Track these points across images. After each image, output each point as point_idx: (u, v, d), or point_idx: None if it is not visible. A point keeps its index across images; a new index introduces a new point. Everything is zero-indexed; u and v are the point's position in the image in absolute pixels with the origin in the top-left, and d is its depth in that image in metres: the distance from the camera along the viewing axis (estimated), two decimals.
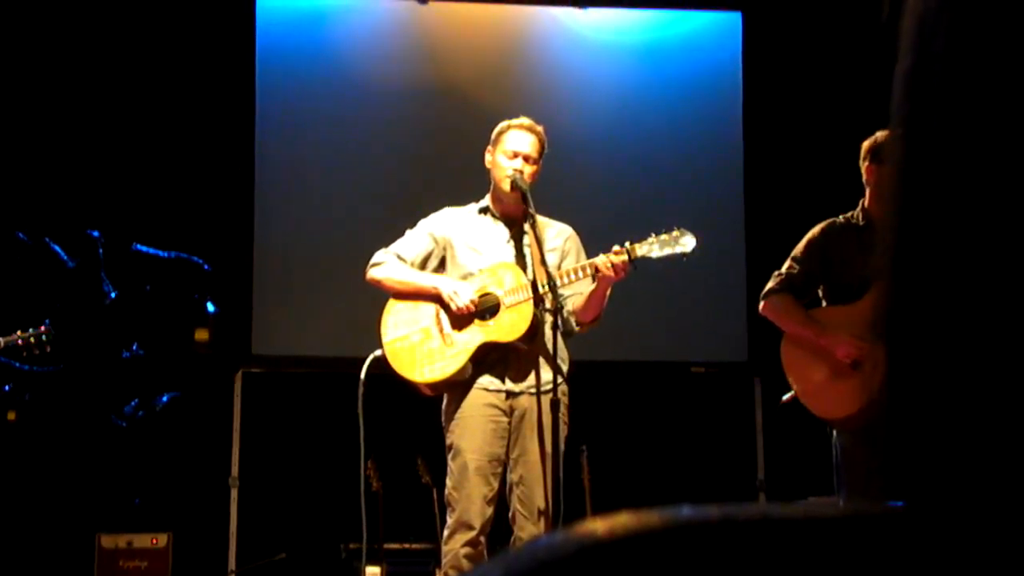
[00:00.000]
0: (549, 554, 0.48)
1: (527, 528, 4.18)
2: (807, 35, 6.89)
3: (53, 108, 6.51)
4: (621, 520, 0.48)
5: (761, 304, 4.29)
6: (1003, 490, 0.48)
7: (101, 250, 6.54)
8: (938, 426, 0.50)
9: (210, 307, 6.69)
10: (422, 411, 4.76)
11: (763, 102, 6.93)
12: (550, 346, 4.18)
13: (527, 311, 4.20)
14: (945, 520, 0.49)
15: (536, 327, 4.22)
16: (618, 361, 6.56)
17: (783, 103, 6.91)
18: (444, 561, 4.19)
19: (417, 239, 4.40)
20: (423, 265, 4.38)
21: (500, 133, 4.34)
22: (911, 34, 0.53)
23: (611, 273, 4.11)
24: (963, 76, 0.50)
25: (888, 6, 0.55)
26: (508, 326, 4.21)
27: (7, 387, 6.22)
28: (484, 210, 4.41)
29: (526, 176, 4.25)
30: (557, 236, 4.40)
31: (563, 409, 4.17)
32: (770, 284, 4.27)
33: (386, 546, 5.74)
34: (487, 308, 4.23)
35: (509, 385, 4.23)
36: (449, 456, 4.25)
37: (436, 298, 4.26)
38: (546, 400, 4.19)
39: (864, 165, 4.16)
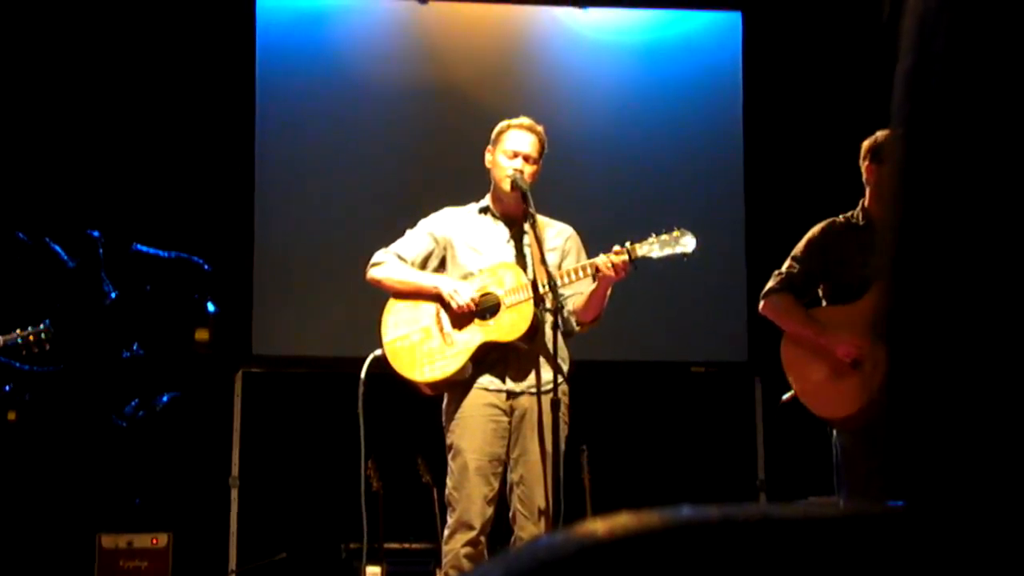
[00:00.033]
0: (549, 554, 0.48)
1: (527, 528, 4.18)
2: (807, 35, 6.89)
3: (53, 108, 6.51)
4: (621, 520, 0.48)
5: (761, 304, 4.29)
6: (1003, 490, 0.48)
7: (101, 250, 6.54)
8: (938, 426, 0.50)
9: (210, 307, 6.69)
10: (422, 411, 4.76)
11: (763, 102, 6.93)
12: (550, 346, 4.18)
13: (527, 311, 4.20)
14: (945, 520, 0.49)
15: (536, 327, 4.22)
16: (618, 361, 6.57)
17: (783, 103, 6.91)
18: (444, 561, 4.19)
19: (417, 239, 4.41)
20: (423, 265, 4.38)
21: (500, 133, 4.34)
22: (911, 34, 0.53)
23: (611, 273, 4.11)
24: (963, 76, 0.50)
25: (888, 6, 0.56)
26: (508, 326, 4.21)
27: (7, 387, 6.23)
28: (484, 210, 4.41)
29: (526, 176, 4.26)
30: (557, 236, 4.40)
31: (563, 409, 4.17)
32: (770, 284, 4.27)
33: (386, 546, 5.74)
34: (487, 308, 4.23)
35: (509, 385, 4.23)
36: (449, 456, 4.25)
37: (436, 297, 4.27)
38: (546, 400, 4.19)
39: (864, 165, 4.16)
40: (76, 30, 6.54)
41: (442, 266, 4.40)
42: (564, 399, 4.20)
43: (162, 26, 6.59)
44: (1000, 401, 0.48)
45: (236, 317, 6.55)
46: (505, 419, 4.22)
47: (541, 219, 4.30)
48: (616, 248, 4.16)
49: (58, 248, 6.49)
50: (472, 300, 4.20)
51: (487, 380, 4.23)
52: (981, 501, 0.48)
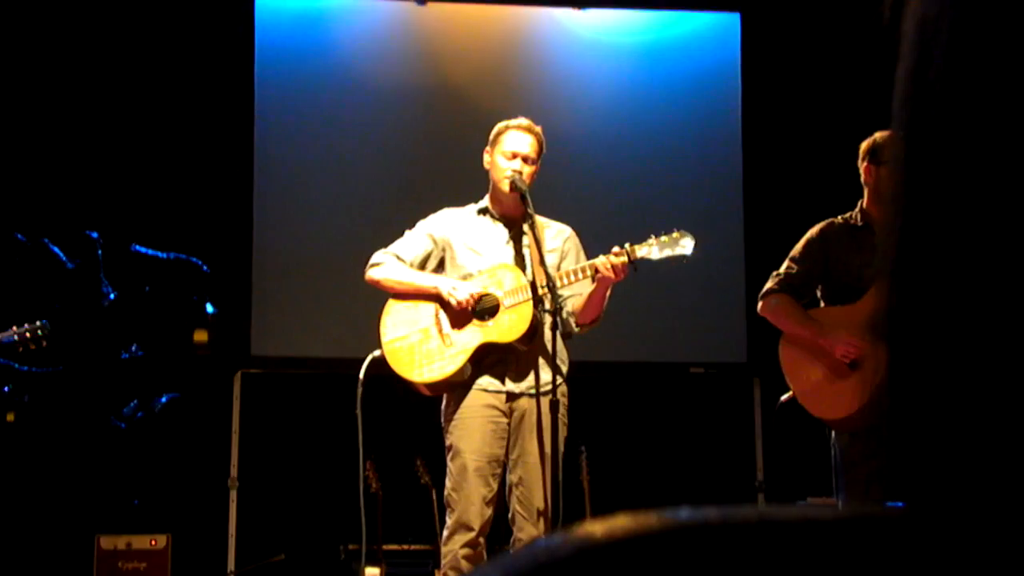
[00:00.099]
0: (547, 556, 0.48)
1: (526, 529, 4.18)
2: (806, 36, 6.89)
3: (52, 109, 6.51)
4: (620, 522, 0.48)
5: (760, 304, 4.30)
6: (1003, 491, 0.48)
7: (100, 251, 6.54)
8: (939, 427, 0.50)
9: (209, 308, 6.69)
10: (421, 412, 4.76)
11: (762, 103, 6.93)
12: (549, 347, 4.18)
13: (526, 312, 4.20)
14: (946, 521, 0.49)
15: (535, 328, 4.22)
16: (617, 362, 6.57)
17: (782, 104, 6.91)
18: (443, 562, 4.19)
19: (416, 240, 4.41)
20: (422, 266, 4.38)
21: (498, 134, 4.34)
22: (912, 36, 0.53)
23: (611, 274, 4.11)
24: (964, 77, 0.50)
25: (889, 8, 0.55)
26: (507, 327, 4.21)
27: (6, 388, 6.22)
28: (483, 211, 4.41)
29: (525, 177, 4.26)
30: (556, 236, 4.40)
31: (562, 410, 4.17)
32: (768, 284, 4.27)
33: (385, 547, 5.74)
34: (486, 309, 4.23)
35: (509, 386, 4.23)
36: (448, 457, 4.25)
37: (435, 297, 4.27)
38: (545, 401, 4.19)
39: (862, 166, 4.16)
40: (75, 30, 6.54)
41: (441, 267, 4.40)
42: (563, 400, 4.20)
43: (161, 27, 6.59)
44: (1001, 402, 0.48)
45: (235, 318, 6.55)
46: (504, 420, 4.22)
47: (540, 220, 4.30)
48: (615, 249, 4.16)
49: (57, 249, 6.49)
50: (472, 296, 4.20)
51: (486, 381, 4.23)
52: (982, 502, 0.48)
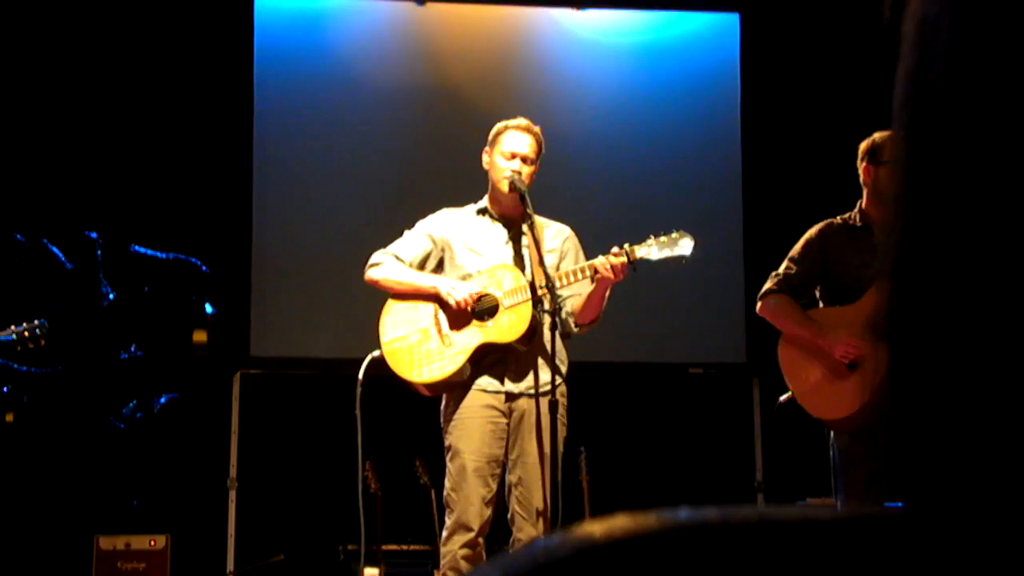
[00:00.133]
0: (546, 556, 0.48)
1: (526, 529, 4.18)
2: (805, 36, 6.89)
3: (51, 109, 6.50)
4: (619, 522, 0.48)
5: (759, 305, 4.30)
6: (1004, 491, 0.48)
7: (99, 251, 6.54)
8: (941, 427, 0.50)
9: (208, 308, 6.69)
10: (420, 412, 4.76)
11: (761, 103, 6.93)
12: (549, 347, 4.18)
13: (526, 312, 4.20)
14: (946, 521, 0.49)
15: (535, 328, 4.22)
16: (616, 362, 6.56)
17: (781, 104, 6.91)
18: (442, 562, 4.19)
19: (415, 240, 4.41)
20: (421, 266, 4.38)
21: (497, 134, 4.34)
22: (913, 36, 0.53)
23: (610, 275, 4.11)
24: (965, 77, 0.50)
25: (889, 8, 0.55)
26: (507, 327, 4.21)
27: (5, 389, 6.22)
28: (482, 211, 4.41)
29: (524, 177, 4.26)
30: (555, 237, 4.41)
31: (561, 410, 4.17)
32: (767, 285, 4.27)
33: (384, 547, 5.73)
34: (486, 309, 4.23)
35: (508, 386, 4.23)
36: (447, 457, 4.25)
37: (435, 298, 4.26)
38: (545, 401, 4.19)
39: (861, 166, 4.16)
40: (75, 31, 6.53)
41: (440, 267, 4.40)
42: (562, 400, 4.20)
43: (160, 27, 6.58)
44: (1001, 402, 0.48)
45: (234, 319, 6.54)
46: (503, 420, 4.22)
47: (539, 220, 4.30)
48: (615, 250, 4.16)
49: (56, 249, 6.49)
50: (471, 296, 4.19)
51: (485, 381, 4.23)
52: (982, 502, 0.48)
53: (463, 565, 4.09)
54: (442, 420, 4.29)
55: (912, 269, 0.51)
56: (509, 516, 4.25)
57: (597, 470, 5.87)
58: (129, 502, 6.36)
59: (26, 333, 5.05)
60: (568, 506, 4.18)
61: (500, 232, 4.37)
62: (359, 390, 4.22)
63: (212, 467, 6.42)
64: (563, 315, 4.14)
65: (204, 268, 6.65)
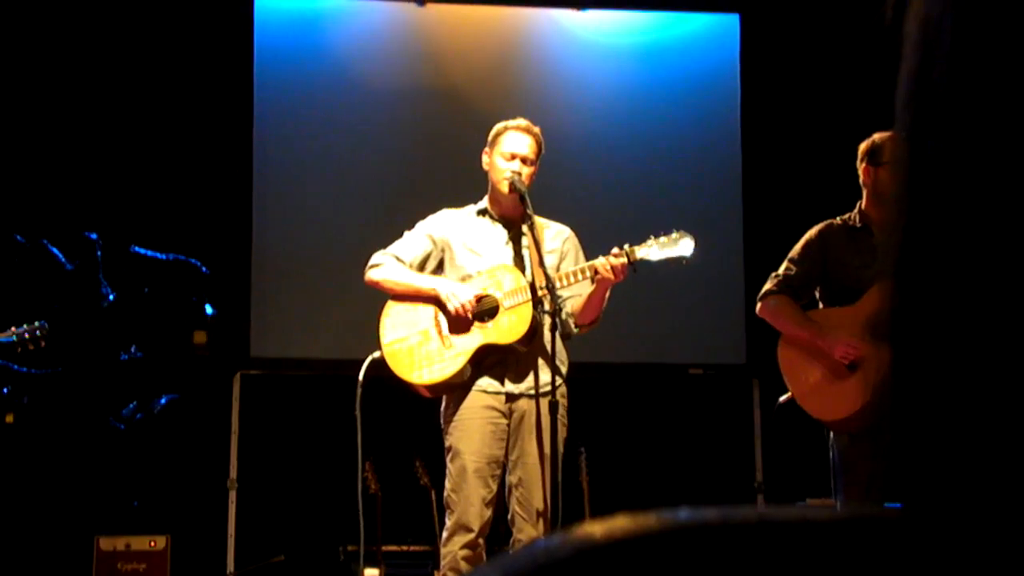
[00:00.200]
0: (547, 556, 0.48)
1: (526, 530, 4.18)
2: (805, 37, 6.89)
3: (51, 109, 6.50)
4: (619, 522, 0.48)
5: (758, 306, 4.30)
6: (1004, 492, 0.48)
7: (99, 252, 6.54)
8: (943, 428, 0.50)
9: (208, 309, 6.69)
10: (420, 413, 4.76)
11: (761, 104, 6.93)
12: (549, 348, 4.18)
13: (526, 313, 4.19)
14: (946, 522, 0.49)
15: (535, 329, 4.22)
16: (617, 363, 6.56)
17: (781, 105, 6.91)
18: (443, 563, 4.19)
19: (415, 241, 4.40)
20: (422, 267, 4.38)
21: (497, 135, 4.34)
22: (915, 36, 0.53)
23: (610, 275, 4.11)
24: (968, 78, 0.50)
25: (892, 9, 0.55)
26: (507, 328, 4.21)
27: (5, 389, 6.22)
28: (482, 212, 4.41)
29: (524, 178, 4.25)
30: (555, 237, 4.40)
31: (562, 411, 4.17)
32: (767, 286, 4.27)
33: (384, 548, 5.73)
34: (486, 310, 4.23)
35: (508, 387, 4.23)
36: (448, 458, 4.25)
37: (434, 300, 4.26)
38: (545, 402, 4.19)
39: (861, 167, 4.16)
40: (75, 31, 6.53)
41: (440, 268, 4.39)
42: (563, 401, 4.20)
43: (160, 28, 6.59)
44: (1003, 402, 0.48)
45: (234, 319, 6.54)
46: (504, 421, 4.22)
47: (539, 220, 4.30)
48: (615, 250, 4.16)
49: (56, 250, 6.49)
50: (469, 303, 4.19)
51: (486, 382, 4.23)
52: (982, 503, 0.48)
53: (463, 566, 4.08)
54: (442, 421, 4.29)
55: (913, 270, 0.51)
56: (509, 517, 4.25)
57: (597, 471, 5.87)
58: (129, 503, 6.36)
59: (26, 335, 5.06)
60: (568, 507, 4.18)
61: (500, 233, 4.37)
62: (359, 391, 4.21)
63: (212, 468, 6.42)
64: (563, 316, 4.14)
65: (204, 269, 6.65)
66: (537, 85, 6.79)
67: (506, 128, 4.33)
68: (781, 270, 4.26)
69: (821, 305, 4.25)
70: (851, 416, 3.92)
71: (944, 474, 0.50)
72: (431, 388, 4.27)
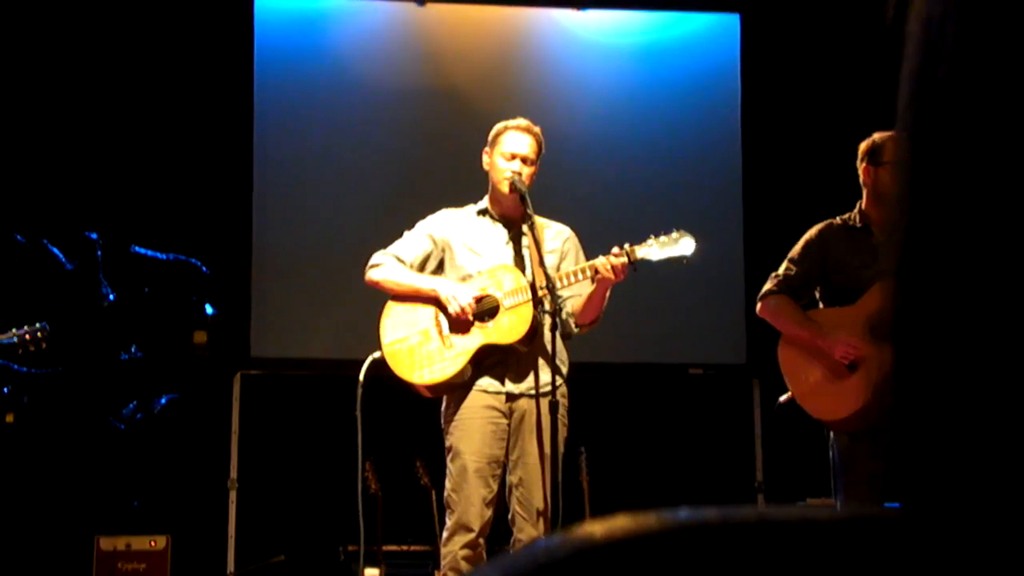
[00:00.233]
0: (547, 556, 0.48)
1: (526, 530, 4.18)
2: (806, 37, 6.89)
3: (51, 109, 6.50)
4: (619, 522, 0.48)
5: (758, 306, 4.30)
6: (1004, 492, 0.48)
7: (99, 252, 6.54)
8: (944, 428, 0.50)
9: (208, 309, 6.69)
10: (421, 413, 4.76)
11: (761, 104, 6.93)
12: (549, 348, 4.18)
13: (526, 313, 4.19)
14: (949, 522, 0.49)
15: (535, 329, 4.22)
16: (617, 363, 6.56)
17: (781, 105, 6.91)
18: (443, 563, 4.19)
19: (416, 241, 4.40)
20: (422, 267, 4.38)
21: (497, 135, 4.34)
22: (918, 36, 0.53)
23: (610, 275, 4.11)
24: (971, 77, 0.50)
25: (893, 8, 0.55)
26: (507, 328, 4.21)
27: (5, 389, 6.22)
28: (482, 212, 4.41)
29: (524, 177, 4.25)
30: (556, 237, 4.40)
31: (562, 411, 4.17)
32: (767, 286, 4.27)
33: (385, 548, 5.73)
34: (486, 310, 4.23)
35: (509, 387, 4.23)
36: (448, 458, 4.25)
37: (434, 301, 4.26)
38: (545, 402, 4.19)
39: (861, 167, 4.16)
40: (75, 31, 6.53)
41: (440, 268, 4.39)
42: (563, 401, 4.20)
43: (160, 28, 6.59)
44: (1005, 403, 0.48)
45: (234, 319, 6.54)
46: (504, 421, 4.21)
47: (539, 220, 4.30)
48: (615, 250, 4.16)
49: (56, 250, 6.49)
50: (469, 306, 4.19)
51: (486, 382, 4.23)
52: (985, 503, 0.48)
53: (463, 566, 4.08)
54: (443, 421, 4.29)
55: (915, 270, 0.51)
56: (510, 516, 4.25)
57: (597, 470, 5.87)
58: (129, 503, 6.36)
59: (27, 336, 5.06)
60: (568, 506, 4.18)
61: (500, 233, 4.37)
62: (360, 391, 4.21)
63: (212, 468, 6.42)
64: (563, 316, 4.14)
65: (204, 269, 6.65)
66: (537, 85, 6.79)
67: (506, 128, 4.33)
68: (781, 270, 4.26)
69: (821, 305, 4.25)
70: (851, 416, 3.92)
71: (944, 474, 0.50)
72: (432, 388, 4.27)
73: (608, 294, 4.23)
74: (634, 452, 6.70)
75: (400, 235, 4.45)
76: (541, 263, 4.14)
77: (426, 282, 4.30)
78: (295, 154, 6.64)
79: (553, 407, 4.12)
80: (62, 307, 6.30)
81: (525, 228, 4.27)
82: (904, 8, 0.54)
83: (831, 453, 4.10)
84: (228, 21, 6.61)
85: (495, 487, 4.19)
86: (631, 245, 4.17)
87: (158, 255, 6.61)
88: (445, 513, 4.25)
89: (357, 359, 4.34)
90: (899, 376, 0.52)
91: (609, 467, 6.19)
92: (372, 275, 4.37)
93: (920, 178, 0.52)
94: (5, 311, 5.82)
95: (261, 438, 6.51)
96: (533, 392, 4.22)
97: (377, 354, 4.28)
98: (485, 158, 4.37)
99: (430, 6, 6.87)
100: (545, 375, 4.23)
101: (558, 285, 4.13)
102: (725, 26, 7.01)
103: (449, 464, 4.23)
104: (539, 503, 4.17)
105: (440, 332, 4.25)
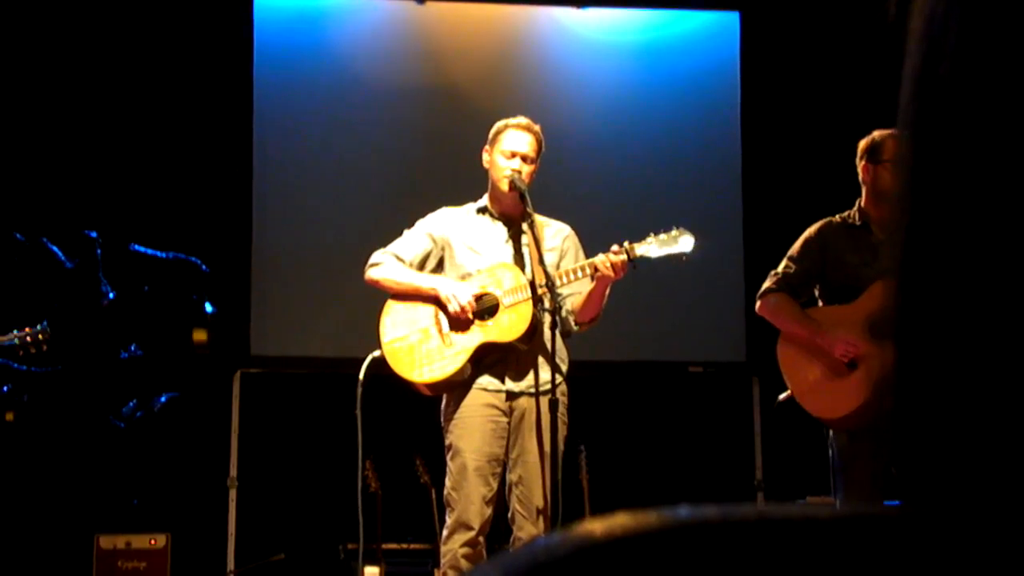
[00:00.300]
0: (547, 554, 0.48)
1: (526, 528, 4.18)
2: (805, 35, 6.89)
3: (51, 108, 6.50)
4: (619, 520, 0.48)
5: (758, 304, 4.30)
6: (1005, 492, 0.48)
7: (99, 250, 6.54)
8: (946, 427, 0.50)
9: (208, 308, 6.69)
10: (421, 411, 4.76)
11: (761, 102, 6.93)
12: (549, 346, 4.18)
13: (526, 311, 4.20)
14: (950, 521, 0.48)
15: (535, 327, 4.22)
16: (616, 361, 6.57)
17: (781, 103, 6.91)
18: (443, 561, 4.19)
19: (415, 239, 4.40)
20: (422, 265, 4.38)
21: (497, 133, 4.34)
22: (920, 33, 0.53)
23: (610, 273, 4.11)
24: (973, 75, 0.50)
25: (895, 6, 0.55)
26: (507, 326, 4.21)
27: (5, 388, 6.22)
28: (482, 210, 4.41)
29: (524, 176, 4.25)
30: (555, 235, 4.40)
31: (562, 409, 4.17)
32: (767, 284, 4.27)
33: (385, 546, 5.74)
34: (486, 308, 4.23)
35: (509, 385, 4.23)
36: (448, 456, 4.25)
37: (434, 299, 4.26)
38: (545, 400, 4.19)
39: (861, 165, 4.16)
40: (74, 30, 6.53)
41: (440, 266, 4.39)
42: (563, 399, 4.20)
43: (159, 26, 6.58)
44: (1006, 402, 0.48)
45: (234, 318, 6.54)
46: (504, 419, 4.22)
47: (539, 218, 4.30)
48: (614, 248, 4.16)
49: (56, 248, 6.49)
50: (468, 305, 4.19)
51: (486, 380, 4.23)
52: (985, 503, 0.48)
53: (463, 564, 4.09)
54: (442, 419, 4.29)
55: (916, 269, 0.51)
56: (509, 515, 4.25)
57: (597, 469, 5.87)
58: (129, 501, 6.36)
59: (28, 337, 5.06)
60: (568, 505, 4.19)
61: (500, 231, 4.37)
62: (360, 389, 4.21)
63: (212, 466, 6.42)
64: (563, 313, 4.15)
65: (204, 267, 6.65)
66: (537, 83, 6.79)
67: (506, 126, 4.33)
68: (780, 268, 4.26)
69: (820, 303, 4.25)
70: (850, 414, 3.92)
71: (944, 473, 0.49)
72: (431, 386, 4.27)
73: (608, 292, 4.23)
74: (634, 450, 6.70)
75: (400, 234, 4.45)
76: (541, 261, 4.14)
77: (426, 280, 4.30)
78: (295, 153, 6.64)
79: (553, 405, 4.12)
80: (61, 305, 6.30)
81: (525, 226, 4.27)
82: (906, 5, 0.54)
83: (830, 451, 4.10)
84: (228, 20, 6.61)
85: (495, 485, 4.19)
86: (630, 243, 4.17)
87: (158, 253, 6.61)
88: (445, 511, 4.25)
89: (357, 357, 4.34)
90: (900, 374, 0.52)
91: (609, 465, 6.19)
92: (372, 274, 4.38)
93: (921, 176, 0.52)
94: (5, 309, 5.82)
95: (261, 436, 6.51)
96: (533, 390, 4.22)
97: (377, 352, 4.29)
98: (485, 156, 4.37)
99: (430, 4, 6.87)
100: (545, 373, 4.24)
101: (558, 283, 4.13)
102: (725, 24, 7.01)
103: (449, 462, 4.23)
104: (539, 501, 4.17)
105: (440, 330, 4.25)
